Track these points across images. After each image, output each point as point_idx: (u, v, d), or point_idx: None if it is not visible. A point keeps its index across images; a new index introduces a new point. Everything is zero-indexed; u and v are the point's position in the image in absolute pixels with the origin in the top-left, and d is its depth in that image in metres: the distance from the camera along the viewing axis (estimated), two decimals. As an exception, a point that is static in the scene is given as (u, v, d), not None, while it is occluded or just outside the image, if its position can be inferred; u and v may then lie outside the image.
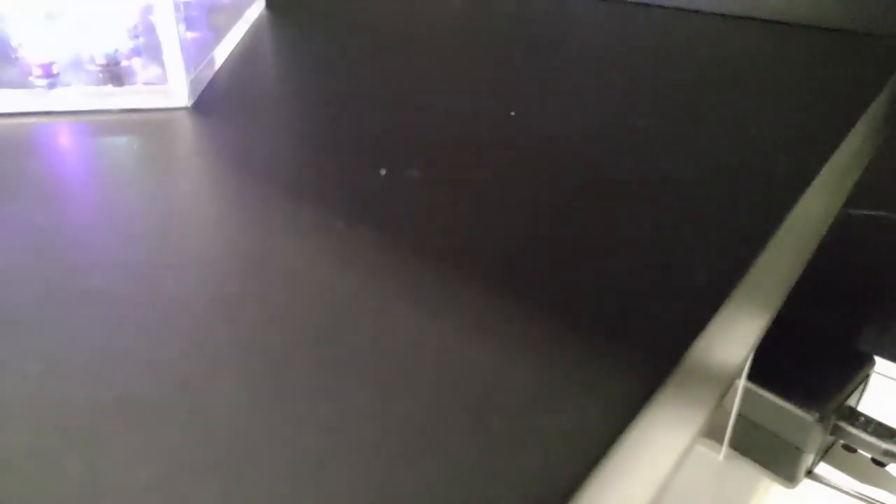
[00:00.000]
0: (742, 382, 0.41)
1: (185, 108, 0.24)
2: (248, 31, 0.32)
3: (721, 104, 0.24)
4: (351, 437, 0.11)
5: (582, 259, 0.15)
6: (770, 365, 0.40)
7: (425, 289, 0.14)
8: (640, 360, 0.12)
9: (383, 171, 0.19)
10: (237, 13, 0.32)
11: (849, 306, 0.45)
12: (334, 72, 0.28)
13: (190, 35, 0.27)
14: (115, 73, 0.25)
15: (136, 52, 0.26)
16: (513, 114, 0.23)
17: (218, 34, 0.29)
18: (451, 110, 0.24)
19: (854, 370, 0.42)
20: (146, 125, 0.23)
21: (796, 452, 0.40)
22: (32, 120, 0.24)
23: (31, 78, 0.24)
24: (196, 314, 0.14)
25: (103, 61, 0.25)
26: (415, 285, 0.14)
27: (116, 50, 0.26)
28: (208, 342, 0.13)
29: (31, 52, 0.25)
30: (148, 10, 0.25)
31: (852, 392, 0.42)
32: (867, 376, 0.43)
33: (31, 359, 0.12)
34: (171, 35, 0.23)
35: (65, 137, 0.23)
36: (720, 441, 0.43)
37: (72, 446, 0.11)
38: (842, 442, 0.43)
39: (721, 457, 0.43)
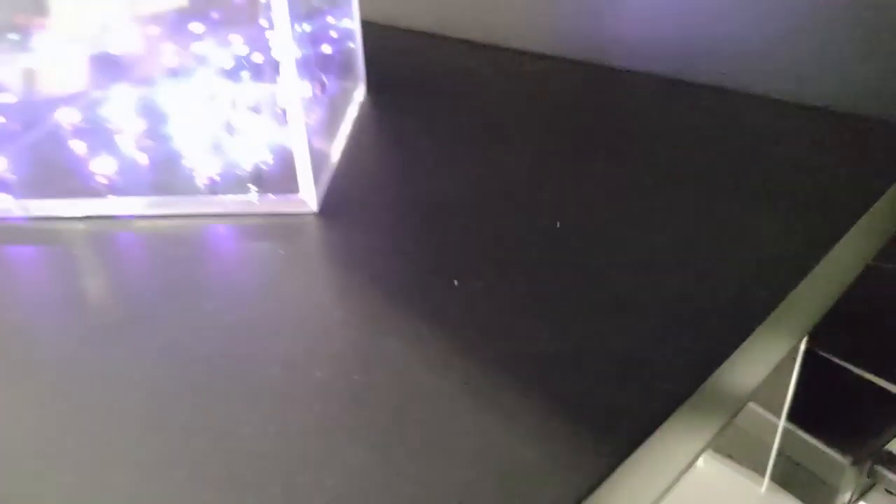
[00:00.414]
0: (782, 421, 0.45)
1: (313, 213, 0.31)
2: (354, 119, 0.39)
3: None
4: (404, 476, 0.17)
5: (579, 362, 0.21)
6: (809, 405, 0.44)
7: (478, 380, 0.20)
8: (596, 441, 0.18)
9: (456, 282, 0.25)
10: (346, 106, 0.39)
11: (890, 351, 0.48)
12: (428, 169, 0.34)
13: (315, 141, 0.33)
14: (257, 182, 0.32)
15: (273, 163, 0.33)
16: (558, 225, 0.28)
17: (334, 131, 0.36)
18: (522, 219, 0.29)
19: (893, 416, 0.46)
20: (283, 229, 0.30)
21: (832, 492, 0.44)
22: (197, 221, 0.31)
23: (197, 185, 0.32)
24: (336, 396, 0.20)
25: (249, 170, 0.32)
26: (470, 378, 0.20)
27: (259, 161, 0.33)
28: (341, 416, 0.19)
29: (200, 164, 0.32)
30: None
31: (892, 438, 0.45)
32: (908, 423, 0.46)
33: (246, 426, 0.19)
34: (303, 151, 0.30)
35: (224, 238, 0.30)
36: (762, 474, 0.47)
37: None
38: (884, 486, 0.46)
39: (763, 489, 0.47)
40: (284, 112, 0.28)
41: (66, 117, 0.35)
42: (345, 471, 0.18)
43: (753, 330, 0.22)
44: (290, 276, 0.27)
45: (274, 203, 0.31)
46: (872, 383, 0.47)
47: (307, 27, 0.34)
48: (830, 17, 0.34)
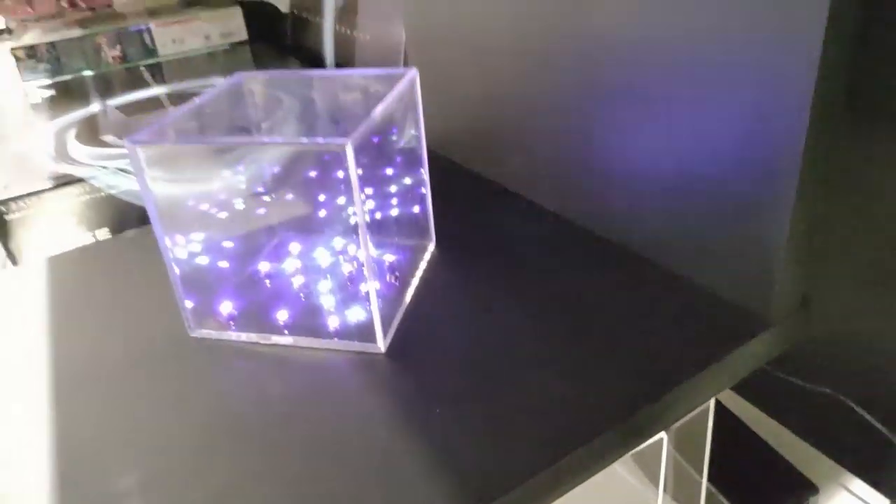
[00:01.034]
0: (704, 480, 0.46)
1: (382, 353, 0.38)
2: (423, 270, 0.46)
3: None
4: None
5: None
6: (726, 468, 0.47)
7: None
8: None
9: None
10: (418, 260, 0.46)
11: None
12: (485, 322, 0.40)
13: (388, 295, 0.41)
14: (334, 319, 0.39)
15: (347, 303, 0.40)
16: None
17: (406, 283, 0.43)
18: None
19: (795, 495, 0.48)
20: (356, 364, 0.37)
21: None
22: (280, 352, 0.39)
23: (314, 325, 0.39)
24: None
25: (330, 309, 0.40)
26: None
27: (337, 301, 0.40)
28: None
29: (287, 306, 0.40)
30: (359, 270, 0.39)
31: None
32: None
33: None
34: (374, 307, 0.37)
35: (321, 369, 0.37)
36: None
37: None
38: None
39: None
40: (361, 271, 0.36)
41: (264, 266, 0.45)
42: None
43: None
44: (356, 405, 0.34)
45: (352, 344, 0.38)
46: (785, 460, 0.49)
47: (387, 189, 0.43)
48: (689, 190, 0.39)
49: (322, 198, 0.47)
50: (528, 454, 0.31)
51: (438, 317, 0.41)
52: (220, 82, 0.44)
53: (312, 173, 0.43)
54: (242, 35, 1.19)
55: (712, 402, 0.41)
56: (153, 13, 1.18)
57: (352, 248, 0.45)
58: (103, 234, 0.73)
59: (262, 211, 0.49)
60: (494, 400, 0.34)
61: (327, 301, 0.42)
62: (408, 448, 0.31)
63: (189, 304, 0.40)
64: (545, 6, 0.46)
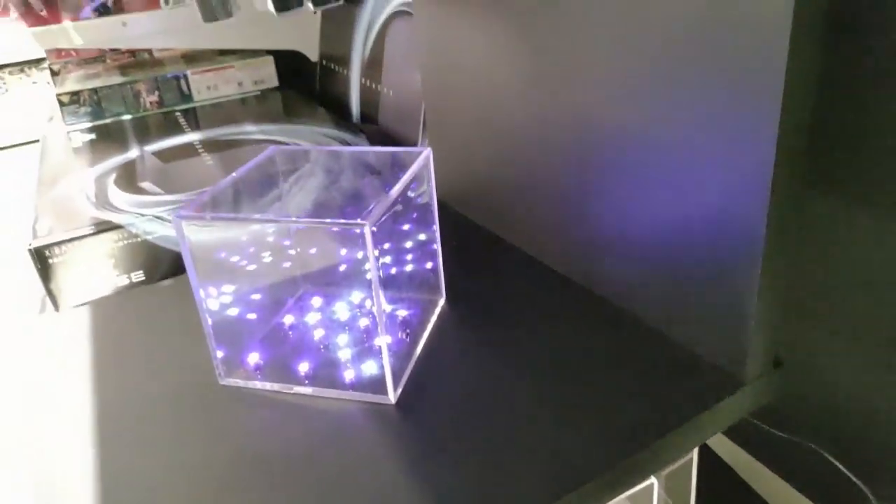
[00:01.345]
0: None
1: (392, 404, 0.42)
2: (433, 324, 0.50)
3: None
4: None
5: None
6: None
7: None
8: None
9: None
10: (429, 315, 0.50)
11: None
12: (489, 374, 0.44)
13: (399, 349, 0.45)
14: (350, 372, 0.43)
15: (363, 356, 0.44)
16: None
17: (417, 337, 0.47)
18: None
19: None
20: (369, 413, 0.41)
21: None
22: (301, 400, 0.43)
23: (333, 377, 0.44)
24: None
25: (347, 362, 0.44)
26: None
27: (353, 354, 0.44)
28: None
29: (308, 358, 0.44)
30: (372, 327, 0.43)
31: None
32: None
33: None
34: (386, 350, 0.41)
35: (326, 417, 0.41)
36: None
37: None
38: None
39: None
40: (375, 326, 0.40)
41: (288, 319, 0.49)
42: None
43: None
44: (368, 451, 0.38)
45: (365, 395, 0.42)
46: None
47: (402, 244, 0.47)
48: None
49: (343, 252, 0.51)
50: (524, 498, 0.34)
51: (445, 370, 0.45)
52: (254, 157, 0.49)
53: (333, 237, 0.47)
54: (273, 82, 1.25)
55: (695, 452, 0.44)
56: (190, 61, 1.26)
57: (368, 303, 0.50)
58: (138, 276, 0.78)
59: (287, 265, 0.54)
60: (493, 449, 0.38)
61: (344, 354, 0.46)
62: (412, 489, 0.35)
63: (220, 353, 0.45)
64: (547, 83, 0.50)
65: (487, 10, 0.55)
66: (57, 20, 1.09)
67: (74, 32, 1.09)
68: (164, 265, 0.78)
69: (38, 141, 1.13)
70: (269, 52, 1.25)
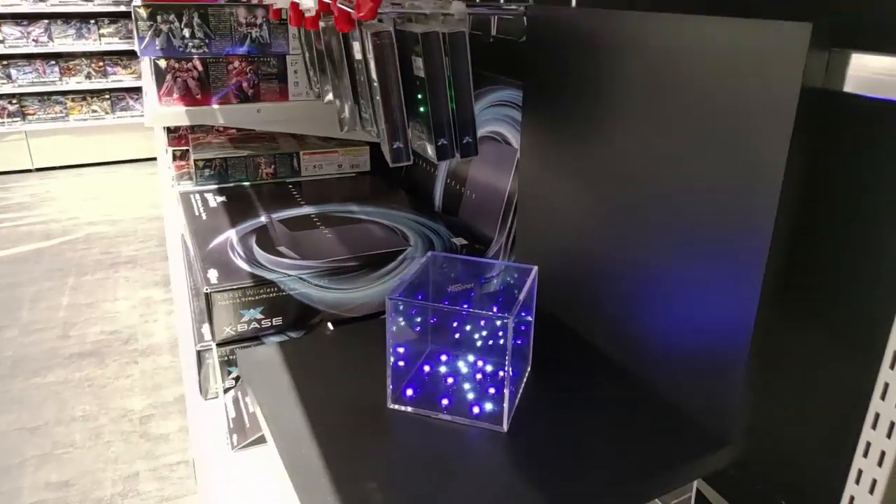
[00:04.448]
0: None
1: (504, 432, 0.65)
2: (524, 384, 0.74)
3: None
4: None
5: None
6: None
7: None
8: None
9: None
10: (523, 375, 0.74)
11: None
12: (560, 420, 0.68)
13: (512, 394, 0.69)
14: (476, 408, 0.67)
15: (483, 397, 0.68)
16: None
17: (518, 386, 0.71)
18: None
19: None
20: (487, 435, 0.65)
21: None
22: (442, 424, 0.66)
23: (441, 405, 0.68)
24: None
25: (472, 399, 0.68)
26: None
27: (476, 394, 0.69)
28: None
29: (446, 394, 0.68)
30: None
31: None
32: None
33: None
34: (507, 394, 0.65)
35: (457, 435, 0.65)
36: None
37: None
38: None
39: None
40: (491, 376, 0.64)
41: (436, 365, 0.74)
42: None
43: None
44: (486, 461, 0.61)
45: (485, 423, 0.66)
46: None
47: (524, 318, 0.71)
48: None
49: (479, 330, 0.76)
50: (594, 495, 0.58)
51: (530, 415, 0.69)
52: (418, 259, 0.75)
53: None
54: (366, 167, 1.53)
55: (693, 493, 0.68)
56: (301, 143, 1.53)
57: (487, 367, 0.74)
58: (277, 321, 1.02)
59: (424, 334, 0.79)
60: (565, 464, 0.61)
61: (471, 395, 0.70)
62: (517, 488, 0.59)
63: (390, 387, 0.69)
64: (614, 220, 0.76)
65: (579, 156, 0.81)
66: (207, 102, 1.37)
67: (219, 113, 1.37)
68: (296, 314, 1.03)
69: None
70: (367, 144, 1.52)
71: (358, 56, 0.82)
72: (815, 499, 0.66)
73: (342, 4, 0.75)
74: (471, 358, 0.76)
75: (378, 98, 0.77)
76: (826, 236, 0.60)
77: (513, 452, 0.63)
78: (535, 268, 0.72)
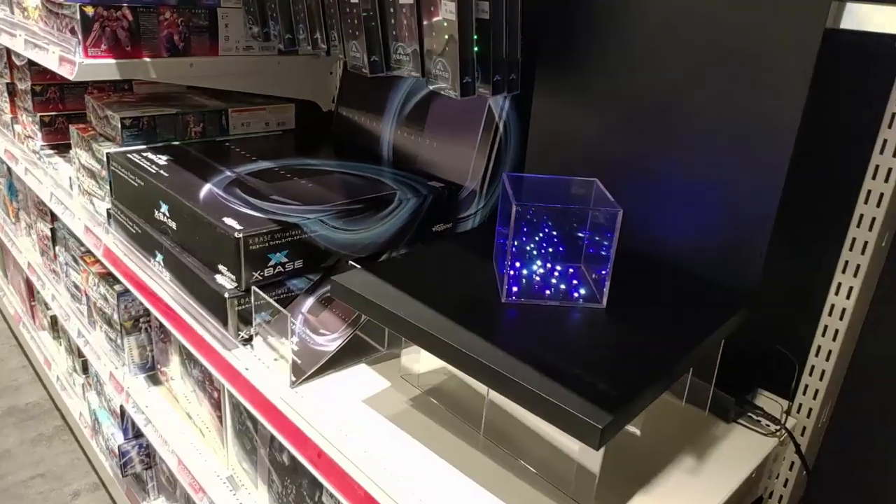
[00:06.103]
0: None
1: (602, 307, 0.83)
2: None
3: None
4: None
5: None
6: None
7: None
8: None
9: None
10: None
11: None
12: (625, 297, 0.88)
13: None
14: (580, 289, 0.84)
15: (583, 283, 0.85)
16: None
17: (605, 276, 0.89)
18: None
19: None
20: (586, 312, 0.82)
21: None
22: (543, 311, 0.83)
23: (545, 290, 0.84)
24: None
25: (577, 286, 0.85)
26: None
27: (578, 282, 0.85)
28: None
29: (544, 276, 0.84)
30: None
31: None
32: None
33: None
34: (609, 278, 0.82)
35: (558, 312, 0.81)
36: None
37: None
38: None
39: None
40: (599, 268, 0.82)
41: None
42: None
43: None
44: (587, 322, 0.80)
45: (582, 303, 0.84)
46: None
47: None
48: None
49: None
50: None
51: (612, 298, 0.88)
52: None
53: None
54: (291, 125, 1.56)
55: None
56: (226, 100, 1.52)
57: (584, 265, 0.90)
58: (299, 263, 1.07)
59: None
60: (622, 330, 0.81)
61: (574, 281, 0.86)
62: (608, 344, 0.77)
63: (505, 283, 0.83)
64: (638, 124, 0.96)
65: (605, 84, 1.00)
66: (138, 55, 1.31)
67: (151, 67, 1.32)
68: (314, 257, 1.09)
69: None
70: (290, 101, 1.55)
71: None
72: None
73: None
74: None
75: (448, 36, 0.88)
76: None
77: (606, 324, 0.81)
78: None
